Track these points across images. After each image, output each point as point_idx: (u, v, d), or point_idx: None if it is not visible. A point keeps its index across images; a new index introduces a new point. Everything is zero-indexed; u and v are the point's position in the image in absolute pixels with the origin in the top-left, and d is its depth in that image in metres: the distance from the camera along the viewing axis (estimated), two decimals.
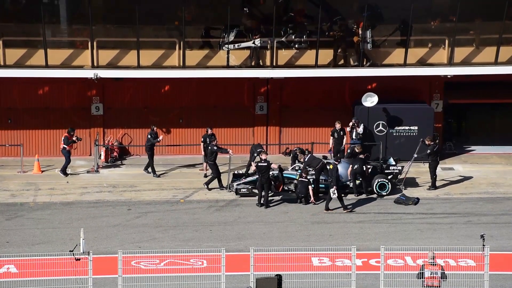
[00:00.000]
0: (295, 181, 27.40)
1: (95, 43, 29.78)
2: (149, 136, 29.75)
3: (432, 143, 28.23)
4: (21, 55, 29.88)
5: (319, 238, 24.33)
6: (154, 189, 28.63)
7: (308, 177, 27.18)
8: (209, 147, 28.60)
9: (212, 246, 22.80)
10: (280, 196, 27.63)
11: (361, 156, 27.99)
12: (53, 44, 29.90)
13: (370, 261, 21.97)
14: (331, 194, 26.09)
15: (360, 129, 30.17)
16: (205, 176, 29.24)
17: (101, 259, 21.57)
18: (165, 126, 31.70)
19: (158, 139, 29.75)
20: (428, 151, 28.13)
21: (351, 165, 27.81)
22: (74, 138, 29.61)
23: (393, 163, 28.53)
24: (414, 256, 21.25)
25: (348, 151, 28.75)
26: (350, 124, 30.32)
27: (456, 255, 21.24)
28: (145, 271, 21.08)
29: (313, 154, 28.52)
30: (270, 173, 27.07)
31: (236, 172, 29.11)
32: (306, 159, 27.81)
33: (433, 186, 28.37)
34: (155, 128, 30.04)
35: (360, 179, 27.72)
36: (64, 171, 29.50)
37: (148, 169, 29.76)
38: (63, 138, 29.54)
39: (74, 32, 30.61)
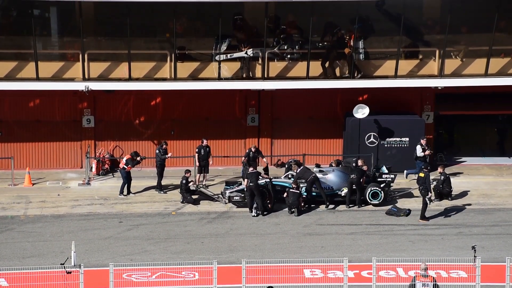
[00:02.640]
0: (287, 191, 27.39)
1: (86, 56, 29.77)
2: (157, 152, 29.56)
3: (443, 171, 28.47)
4: (11, 68, 29.83)
5: (311, 250, 24.32)
6: (146, 202, 28.58)
7: (300, 186, 27.26)
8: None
9: (204, 259, 22.76)
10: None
11: (364, 167, 28.12)
12: (44, 56, 29.87)
13: (362, 273, 21.96)
14: (427, 201, 26.23)
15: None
16: (197, 187, 29.09)
17: (93, 272, 21.48)
18: (156, 138, 31.66)
19: (166, 156, 29.46)
20: (442, 177, 28.41)
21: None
22: (138, 158, 29.11)
23: (386, 171, 28.60)
24: (406, 268, 21.27)
25: (353, 164, 28.65)
26: (424, 145, 29.54)
27: (448, 266, 21.26)
28: (137, 283, 21.02)
29: (306, 166, 28.55)
30: (262, 181, 27.25)
31: (228, 180, 29.26)
32: (298, 171, 27.85)
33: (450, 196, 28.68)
34: (164, 146, 29.57)
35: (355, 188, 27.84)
36: (122, 191, 28.73)
37: (161, 188, 29.32)
38: (125, 159, 28.86)
39: (65, 44, 30.59)
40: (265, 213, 27.22)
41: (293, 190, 27.10)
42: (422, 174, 26.80)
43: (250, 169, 27.54)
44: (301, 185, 27.46)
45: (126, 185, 29.00)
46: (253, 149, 29.68)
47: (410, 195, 29.11)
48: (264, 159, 29.56)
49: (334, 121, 32.23)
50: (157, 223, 26.62)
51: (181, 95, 31.52)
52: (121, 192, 28.94)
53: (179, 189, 28.47)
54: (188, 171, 28.39)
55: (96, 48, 30.17)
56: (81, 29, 29.29)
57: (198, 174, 29.89)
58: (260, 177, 27.44)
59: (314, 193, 27.74)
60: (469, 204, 28.36)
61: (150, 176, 30.35)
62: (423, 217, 26.65)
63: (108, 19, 30.34)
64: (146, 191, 29.60)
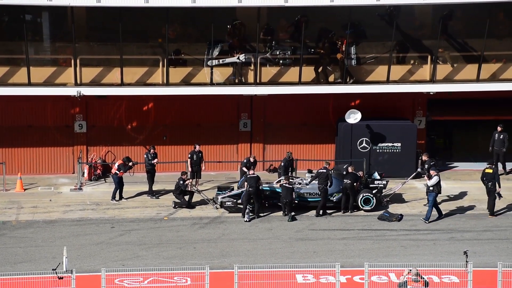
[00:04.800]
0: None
1: (78, 61, 29.75)
2: (145, 157, 29.53)
3: (427, 158, 28.48)
4: (3, 73, 29.79)
5: (303, 255, 24.32)
6: (138, 207, 28.54)
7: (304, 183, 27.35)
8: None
9: (196, 264, 22.73)
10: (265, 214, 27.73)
11: (360, 173, 28.14)
12: (36, 62, 29.84)
13: (354, 278, 21.98)
14: (497, 197, 26.46)
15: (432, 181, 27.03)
16: (192, 192, 29.04)
17: (84, 278, 21.44)
18: (148, 144, 31.63)
19: (153, 161, 29.34)
20: (426, 165, 28.20)
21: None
22: (130, 164, 29.02)
23: (378, 177, 28.62)
24: (398, 273, 21.27)
25: (344, 173, 28.61)
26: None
27: (440, 271, 21.29)
28: None
29: (325, 172, 27.77)
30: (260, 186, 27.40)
31: (220, 185, 29.24)
32: (318, 171, 27.50)
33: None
34: (151, 150, 29.51)
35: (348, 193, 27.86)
36: (114, 196, 28.69)
37: (153, 193, 29.30)
38: (117, 164, 28.77)
39: (57, 49, 30.57)
40: (260, 215, 27.25)
41: (286, 185, 27.10)
42: (490, 170, 26.79)
43: (250, 172, 27.54)
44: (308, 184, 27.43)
45: (118, 191, 28.96)
46: (251, 159, 29.57)
47: (402, 200, 29.15)
48: None
49: (326, 126, 32.27)
50: (149, 228, 26.58)
51: (174, 101, 31.51)
52: (113, 197, 28.90)
53: (173, 189, 28.25)
54: (184, 173, 28.38)
55: (88, 53, 30.15)
56: (73, 34, 29.26)
57: (191, 180, 29.86)
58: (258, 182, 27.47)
59: (311, 199, 27.79)
60: (461, 209, 28.41)
61: (142, 181, 30.28)
62: (492, 213, 26.99)
63: (100, 24, 30.34)
64: (138, 196, 29.57)
